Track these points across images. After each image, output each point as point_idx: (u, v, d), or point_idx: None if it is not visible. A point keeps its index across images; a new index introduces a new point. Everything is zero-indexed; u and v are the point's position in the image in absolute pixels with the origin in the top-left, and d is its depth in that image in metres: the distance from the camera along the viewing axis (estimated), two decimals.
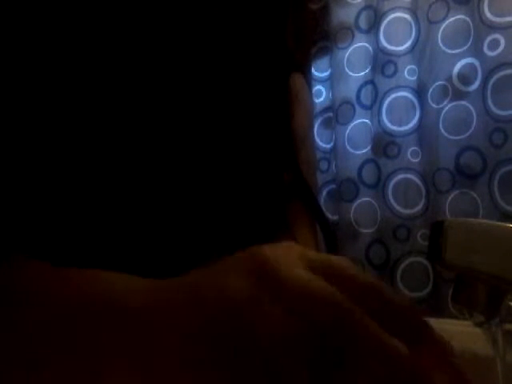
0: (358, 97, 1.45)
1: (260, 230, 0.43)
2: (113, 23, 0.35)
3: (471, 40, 1.27)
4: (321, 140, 1.55)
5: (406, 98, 1.37)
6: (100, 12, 0.35)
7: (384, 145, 1.39)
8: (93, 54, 0.34)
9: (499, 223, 0.40)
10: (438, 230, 0.41)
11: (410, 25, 1.38)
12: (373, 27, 1.43)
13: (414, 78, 1.36)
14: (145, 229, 0.37)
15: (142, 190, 0.37)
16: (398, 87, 1.38)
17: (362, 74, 1.45)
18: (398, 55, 1.39)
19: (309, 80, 1.53)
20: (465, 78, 1.28)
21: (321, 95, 1.56)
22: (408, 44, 1.38)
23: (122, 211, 0.36)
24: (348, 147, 1.46)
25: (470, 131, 1.26)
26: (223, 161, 0.41)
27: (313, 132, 1.49)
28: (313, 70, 1.56)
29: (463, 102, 1.28)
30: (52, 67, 0.33)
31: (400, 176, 1.37)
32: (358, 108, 1.45)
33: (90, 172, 0.35)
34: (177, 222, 0.39)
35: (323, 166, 1.54)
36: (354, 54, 1.47)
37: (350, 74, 1.47)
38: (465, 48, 1.28)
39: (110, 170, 0.35)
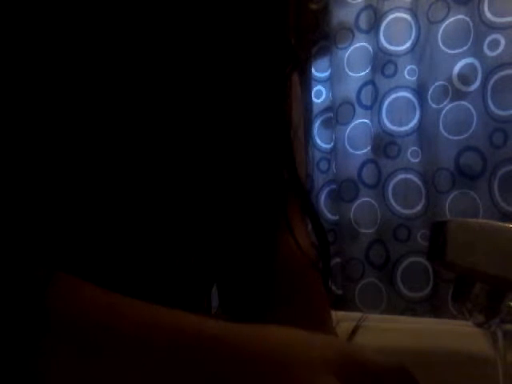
0: (358, 97, 1.45)
1: (260, 226, 0.43)
2: (112, 22, 0.35)
3: (471, 40, 1.27)
4: (321, 140, 1.55)
5: (406, 98, 1.37)
6: (100, 11, 0.35)
7: (384, 145, 1.39)
8: (92, 53, 0.35)
9: (499, 223, 0.40)
10: (438, 229, 0.41)
11: (410, 25, 1.38)
12: (373, 27, 1.43)
13: (414, 78, 1.36)
14: (141, 226, 0.37)
15: (138, 189, 0.37)
16: (398, 87, 1.38)
17: (362, 74, 1.45)
18: (398, 55, 1.39)
19: (308, 80, 1.53)
20: (465, 78, 1.28)
21: (321, 95, 1.56)
22: (408, 44, 1.38)
23: (121, 211, 0.36)
24: (348, 147, 1.45)
25: (470, 131, 1.26)
26: (223, 157, 0.41)
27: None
28: (313, 69, 1.56)
29: (463, 102, 1.28)
30: (51, 66, 0.33)
31: (400, 176, 1.37)
32: (358, 108, 1.45)
33: (86, 173, 0.35)
34: (176, 220, 0.39)
35: (323, 166, 1.54)
36: (353, 54, 1.47)
37: (350, 74, 1.47)
38: (465, 48, 1.28)
39: (106, 170, 0.35)
